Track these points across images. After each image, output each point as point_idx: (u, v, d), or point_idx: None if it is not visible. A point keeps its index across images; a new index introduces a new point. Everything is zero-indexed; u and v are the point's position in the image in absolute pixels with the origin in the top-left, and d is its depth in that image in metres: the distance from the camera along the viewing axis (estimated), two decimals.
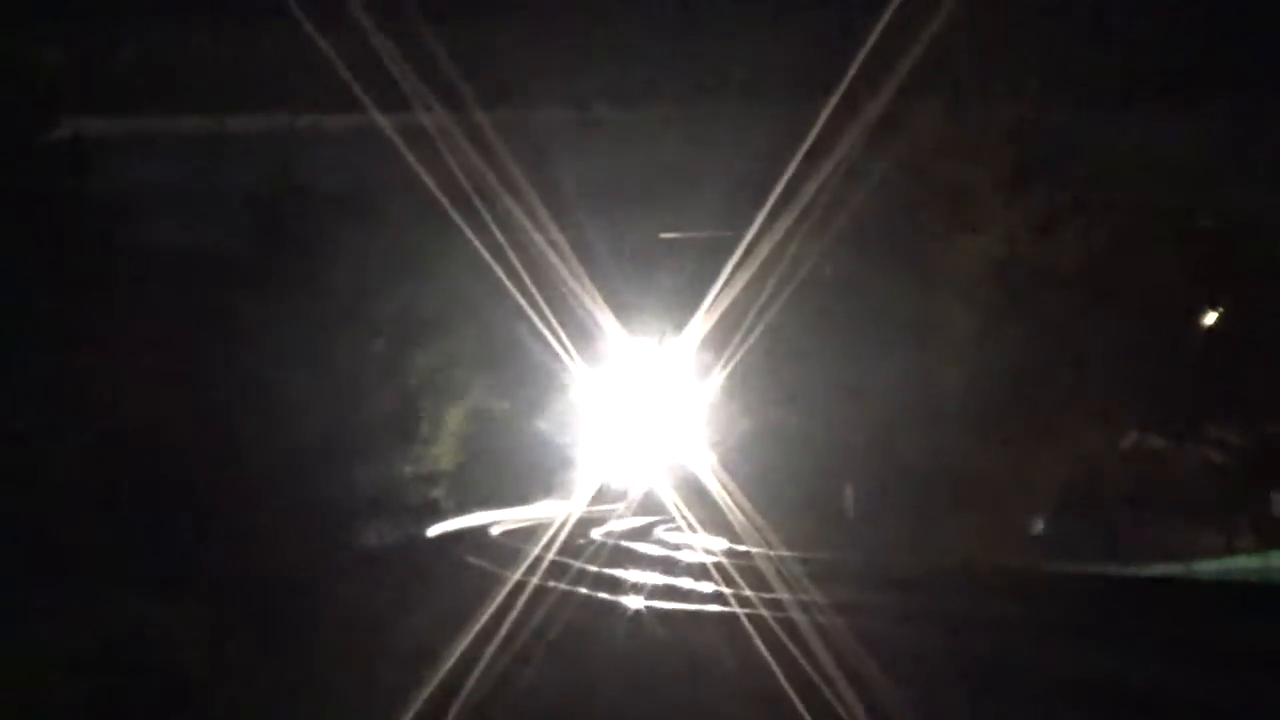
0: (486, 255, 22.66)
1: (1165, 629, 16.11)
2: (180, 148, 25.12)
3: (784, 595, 18.94)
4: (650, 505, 30.02)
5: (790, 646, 14.69)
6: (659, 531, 29.08)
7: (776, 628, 16.01)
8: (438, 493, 30.38)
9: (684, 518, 27.21)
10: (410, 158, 20.29)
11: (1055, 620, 17.01)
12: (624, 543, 28.20)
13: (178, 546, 21.89)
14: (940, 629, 17.12)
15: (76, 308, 21.56)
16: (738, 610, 18.77)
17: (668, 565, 24.82)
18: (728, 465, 26.94)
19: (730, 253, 24.09)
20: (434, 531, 29.93)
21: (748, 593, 19.74)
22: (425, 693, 12.90)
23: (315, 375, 25.35)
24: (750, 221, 23.38)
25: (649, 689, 14.58)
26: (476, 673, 13.84)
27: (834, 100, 22.55)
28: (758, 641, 15.57)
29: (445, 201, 21.17)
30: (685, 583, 22.51)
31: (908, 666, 12.85)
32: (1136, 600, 18.57)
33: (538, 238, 23.57)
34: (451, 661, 14.24)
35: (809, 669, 13.44)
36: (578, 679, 15.06)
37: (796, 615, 16.76)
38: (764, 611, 17.88)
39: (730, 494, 25.18)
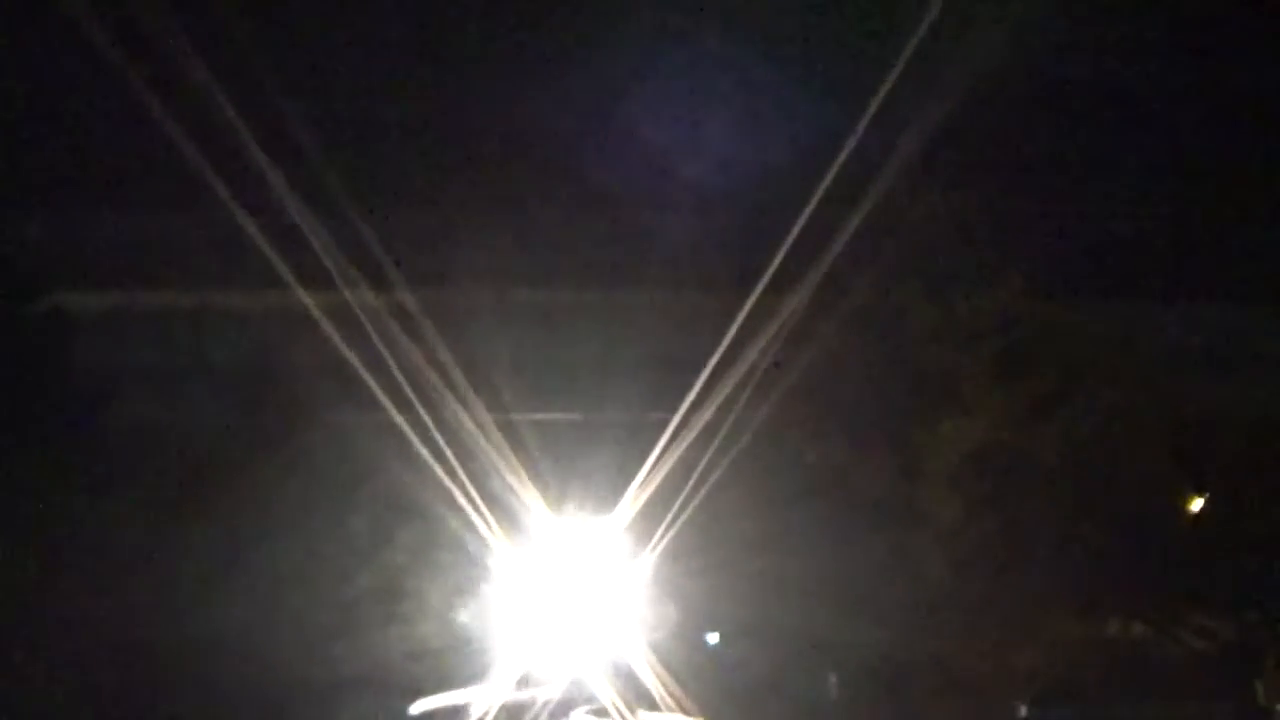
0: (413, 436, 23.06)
1: None
2: (162, 324, 25.49)
3: None
4: (587, 693, 29.50)
5: None
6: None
7: None
8: (421, 669, 30.09)
9: (622, 704, 26.86)
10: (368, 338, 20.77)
11: None
12: None
13: None
14: None
15: (54, 486, 21.82)
16: None
17: None
18: (681, 652, 26.77)
19: (688, 437, 24.22)
20: (417, 709, 29.59)
21: None
22: None
23: (299, 554, 25.42)
24: (720, 404, 23.57)
25: None
26: None
27: (816, 285, 22.92)
28: None
29: (377, 384, 21.63)
30: None
31: None
32: None
33: (466, 419, 23.90)
34: None
35: None
36: None
37: None
38: None
39: (677, 682, 24.98)
